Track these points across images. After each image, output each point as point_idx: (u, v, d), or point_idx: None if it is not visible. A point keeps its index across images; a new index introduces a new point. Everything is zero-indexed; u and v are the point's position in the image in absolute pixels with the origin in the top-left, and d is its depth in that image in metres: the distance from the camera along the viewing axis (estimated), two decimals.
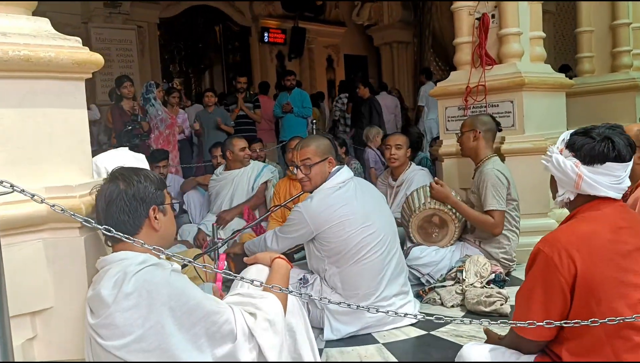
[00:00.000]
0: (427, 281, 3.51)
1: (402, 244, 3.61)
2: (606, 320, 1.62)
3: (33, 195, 1.69)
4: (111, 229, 1.68)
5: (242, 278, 1.89)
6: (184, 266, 3.08)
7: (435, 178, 3.71)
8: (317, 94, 10.82)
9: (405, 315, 2.16)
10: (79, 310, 1.79)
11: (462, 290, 3.21)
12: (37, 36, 1.87)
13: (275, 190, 4.50)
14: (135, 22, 9.84)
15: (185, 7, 10.93)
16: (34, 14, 2.05)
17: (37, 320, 1.87)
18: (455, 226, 3.55)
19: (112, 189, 1.74)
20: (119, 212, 1.72)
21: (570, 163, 1.79)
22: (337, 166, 3.03)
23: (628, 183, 1.83)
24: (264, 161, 5.40)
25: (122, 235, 1.67)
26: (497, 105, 4.22)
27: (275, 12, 12.25)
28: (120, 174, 1.78)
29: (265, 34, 12.09)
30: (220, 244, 3.34)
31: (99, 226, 1.70)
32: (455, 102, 4.43)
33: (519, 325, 1.76)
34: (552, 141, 4.13)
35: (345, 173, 3.01)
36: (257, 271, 1.94)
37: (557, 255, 1.67)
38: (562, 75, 4.60)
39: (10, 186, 1.63)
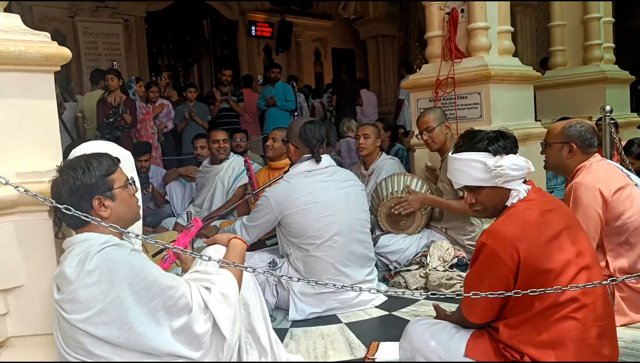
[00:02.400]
0: (395, 267, 3.66)
1: (372, 231, 3.77)
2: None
3: (7, 181, 1.82)
4: (70, 208, 1.79)
5: (209, 258, 2.01)
6: (160, 251, 3.24)
7: (406, 186, 3.71)
8: (304, 88, 10.94)
9: (360, 289, 2.32)
10: (48, 288, 1.92)
11: (425, 274, 3.37)
12: (8, 31, 2.00)
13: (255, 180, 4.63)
14: (122, 16, 9.91)
15: (172, 1, 10.97)
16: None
17: (10, 297, 2.02)
18: (422, 214, 3.70)
19: (58, 185, 1.83)
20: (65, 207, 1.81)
21: (517, 158, 1.96)
22: (307, 155, 3.16)
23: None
24: (245, 152, 5.51)
25: (84, 214, 1.79)
26: (466, 97, 4.36)
27: (262, 6, 12.34)
28: (62, 169, 1.85)
29: (253, 28, 12.18)
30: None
31: (67, 210, 1.80)
32: (426, 94, 4.57)
33: (465, 296, 1.91)
34: (519, 132, 4.29)
35: (315, 163, 3.14)
36: (214, 251, 2.08)
37: (502, 248, 1.82)
38: (530, 68, 4.74)
39: None
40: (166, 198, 5.38)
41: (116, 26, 9.75)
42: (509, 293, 1.80)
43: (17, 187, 1.79)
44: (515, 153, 1.98)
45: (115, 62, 8.81)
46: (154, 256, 3.27)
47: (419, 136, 3.82)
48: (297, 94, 9.04)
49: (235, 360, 1.92)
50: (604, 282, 1.83)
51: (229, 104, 7.49)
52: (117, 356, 1.72)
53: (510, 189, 1.96)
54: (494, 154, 1.94)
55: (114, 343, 1.71)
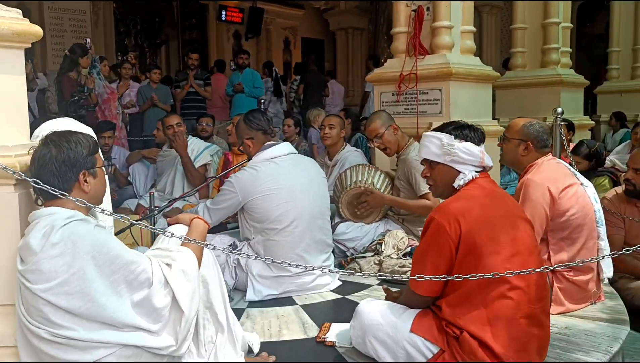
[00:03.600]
0: (352, 254, 3.80)
1: (332, 219, 3.89)
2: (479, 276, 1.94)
3: None
4: (39, 182, 1.85)
5: (172, 234, 2.10)
6: (121, 230, 3.29)
7: (364, 187, 3.83)
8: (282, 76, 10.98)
9: (314, 268, 2.44)
10: (12, 260, 1.96)
11: (379, 261, 3.51)
12: None
13: (219, 164, 4.70)
14: None
15: None
16: None
17: None
18: (380, 207, 3.85)
19: (44, 153, 1.89)
20: (49, 175, 1.88)
21: (470, 145, 2.18)
22: (271, 142, 3.26)
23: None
24: (210, 136, 5.55)
25: (53, 189, 1.85)
26: (427, 93, 4.52)
27: None
28: (52, 140, 1.92)
29: (223, 12, 12.15)
30: (157, 211, 3.55)
31: (35, 183, 1.87)
32: (390, 88, 4.71)
33: (412, 279, 2.07)
34: None
35: (279, 148, 3.23)
36: (176, 230, 2.16)
37: (447, 221, 2.01)
38: (489, 68, 4.92)
39: None
40: (129, 179, 5.39)
41: (83, 3, 9.60)
42: (451, 277, 1.95)
43: None
44: (475, 143, 2.18)
45: (88, 39, 8.68)
46: (117, 234, 3.33)
47: (371, 144, 3.97)
48: (279, 80, 9.15)
49: (192, 334, 2.00)
50: (537, 270, 1.99)
51: (194, 88, 7.49)
52: (78, 325, 1.78)
53: (459, 172, 2.17)
54: (454, 137, 2.17)
55: (75, 313, 1.78)
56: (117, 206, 4.94)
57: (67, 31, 9.34)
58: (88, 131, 2.29)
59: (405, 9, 4.70)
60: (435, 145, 2.20)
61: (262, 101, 7.41)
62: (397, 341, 2.10)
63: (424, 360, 2.05)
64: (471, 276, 1.93)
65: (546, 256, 2.89)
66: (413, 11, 4.64)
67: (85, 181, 1.94)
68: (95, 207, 1.98)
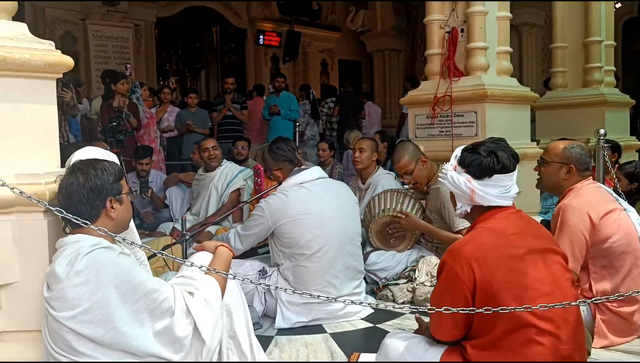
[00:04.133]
0: (384, 282, 3.70)
1: (363, 247, 3.82)
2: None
3: (4, 182, 1.90)
4: (62, 211, 1.88)
5: (192, 264, 2.10)
6: (153, 255, 3.31)
7: (400, 211, 3.69)
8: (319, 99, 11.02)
9: (345, 300, 2.36)
10: (40, 286, 1.98)
11: (412, 288, 3.43)
12: (14, 39, 2.09)
13: (253, 188, 4.71)
14: (132, 20, 10.08)
15: (182, 8, 11.16)
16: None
17: (2, 293, 2.10)
18: (412, 234, 3.75)
19: (72, 182, 1.92)
20: (77, 203, 1.92)
21: (463, 179, 2.03)
22: (296, 169, 3.25)
23: (516, 189, 2.05)
24: (245, 160, 5.59)
25: (74, 217, 1.88)
26: (462, 115, 4.44)
27: (271, 15, 12.49)
28: (79, 168, 1.95)
29: (261, 37, 12.33)
30: (188, 236, 3.56)
31: (59, 212, 1.90)
32: (424, 110, 4.66)
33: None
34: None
35: (309, 173, 3.22)
36: (201, 257, 2.15)
37: (459, 266, 1.88)
38: (527, 88, 4.81)
39: None
40: (165, 202, 5.47)
41: (126, 30, 9.90)
42: (465, 310, 1.85)
43: (12, 189, 1.86)
44: (474, 175, 2.00)
45: (128, 65, 8.93)
46: (149, 258, 3.36)
47: (399, 179, 3.81)
48: (316, 103, 9.20)
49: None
50: (558, 305, 1.85)
51: (232, 112, 7.58)
52: (101, 354, 1.79)
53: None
54: (458, 161, 2.05)
55: (98, 342, 1.78)
56: (153, 229, 5.02)
57: (110, 58, 9.64)
58: (113, 158, 2.31)
59: (439, 30, 4.66)
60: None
61: (298, 124, 7.44)
62: None
63: None
64: (501, 309, 1.82)
65: (587, 286, 2.76)
66: (447, 33, 4.60)
67: (112, 207, 1.97)
68: (115, 236, 1.98)
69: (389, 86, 12.86)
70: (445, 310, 1.89)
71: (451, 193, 2.12)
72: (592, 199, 2.78)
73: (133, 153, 5.48)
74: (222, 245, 2.19)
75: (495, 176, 1.98)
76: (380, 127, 9.42)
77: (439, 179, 2.16)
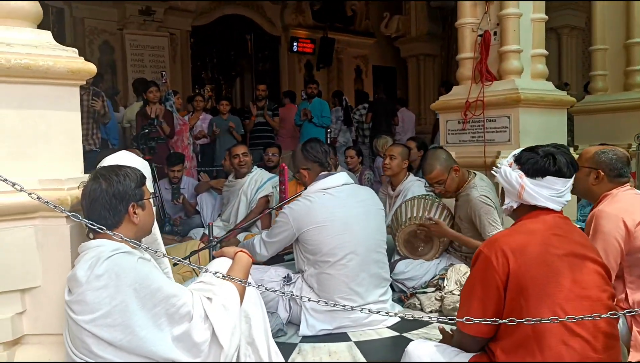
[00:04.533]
0: (412, 290, 3.63)
1: (391, 255, 3.75)
2: (535, 321, 1.77)
3: (22, 188, 1.93)
4: (77, 216, 1.89)
5: (206, 270, 2.10)
6: (175, 264, 3.34)
7: (429, 217, 3.61)
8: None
9: (365, 310, 2.32)
10: (63, 290, 2.00)
11: (441, 297, 3.34)
12: (39, 47, 2.13)
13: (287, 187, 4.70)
14: (168, 29, 10.26)
15: (217, 16, 11.30)
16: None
17: (27, 297, 2.13)
18: (441, 240, 3.66)
19: (95, 188, 1.94)
20: (100, 209, 1.93)
21: (515, 175, 2.01)
22: (325, 173, 3.21)
23: (568, 197, 2.01)
24: (276, 166, 5.59)
25: (91, 223, 1.89)
26: (495, 120, 4.34)
27: (305, 22, 12.54)
28: (101, 175, 1.97)
29: (295, 44, 12.37)
30: (215, 242, 3.58)
31: (75, 218, 1.92)
32: (456, 116, 4.57)
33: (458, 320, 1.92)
34: None
35: (334, 179, 3.18)
36: (220, 263, 2.14)
37: (494, 256, 1.85)
38: (564, 93, 4.67)
39: (4, 180, 1.88)
40: (197, 208, 5.51)
41: (162, 39, 10.08)
42: (502, 321, 1.79)
43: (30, 194, 1.89)
44: (528, 173, 1.98)
45: (164, 72, 9.08)
46: (175, 264, 3.38)
47: (429, 188, 3.69)
48: (349, 109, 9.19)
49: None
50: (603, 315, 1.79)
51: (264, 119, 7.62)
52: (119, 358, 1.79)
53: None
54: (514, 158, 2.04)
55: (117, 346, 1.78)
56: (184, 235, 5.06)
57: (147, 66, 9.83)
58: (144, 164, 2.32)
59: (471, 33, 4.58)
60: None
61: (330, 130, 7.42)
62: None
63: None
64: (526, 321, 1.76)
65: (623, 296, 2.64)
66: (479, 36, 4.50)
67: (135, 212, 1.97)
68: (132, 242, 1.98)
69: (424, 91, 12.71)
70: (466, 320, 1.83)
71: (502, 188, 2.11)
72: (627, 206, 2.65)
73: (165, 160, 5.55)
74: (241, 251, 2.18)
75: (548, 177, 1.96)
76: (414, 133, 9.31)
77: (492, 172, 2.16)
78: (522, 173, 2.00)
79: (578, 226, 4.17)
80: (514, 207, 2.06)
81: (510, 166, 2.06)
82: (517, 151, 2.09)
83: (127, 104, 9.03)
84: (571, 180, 2.00)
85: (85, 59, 2.24)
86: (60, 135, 2.17)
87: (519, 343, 1.83)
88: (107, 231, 1.89)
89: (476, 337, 1.94)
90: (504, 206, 2.10)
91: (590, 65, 6.58)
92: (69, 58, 2.16)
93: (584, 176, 2.79)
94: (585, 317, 1.75)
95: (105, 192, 1.93)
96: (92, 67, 2.22)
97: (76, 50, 2.23)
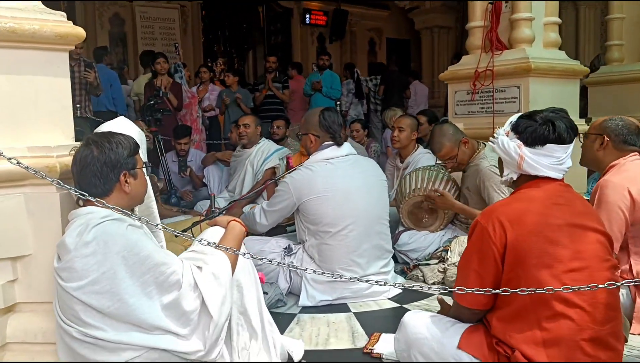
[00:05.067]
0: (415, 262, 3.59)
1: (396, 227, 3.70)
2: (530, 291, 1.72)
3: (10, 158, 1.90)
4: (60, 182, 1.85)
5: (200, 240, 2.06)
6: (184, 230, 3.31)
7: (435, 189, 3.55)
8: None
9: (376, 282, 2.27)
10: (54, 257, 2.01)
11: (444, 269, 3.30)
12: (25, 10, 2.08)
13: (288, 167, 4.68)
14: (178, 2, 10.16)
15: None
16: None
17: (18, 265, 2.12)
18: (445, 212, 3.61)
19: (86, 155, 1.89)
20: (91, 176, 1.89)
21: (513, 145, 1.92)
22: (329, 142, 3.15)
23: (569, 163, 1.93)
24: (282, 139, 5.54)
25: (76, 190, 1.86)
26: (504, 90, 4.23)
27: None
28: (93, 141, 1.92)
29: (307, 16, 12.21)
30: (217, 213, 3.55)
31: (57, 184, 1.88)
32: (465, 86, 4.47)
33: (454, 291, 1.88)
34: None
35: (337, 149, 3.12)
36: (213, 232, 2.11)
37: (491, 225, 1.80)
38: (576, 62, 4.53)
39: None
40: (204, 181, 5.50)
41: (173, 11, 10.00)
42: (496, 291, 1.74)
43: (15, 162, 1.86)
44: (527, 142, 1.89)
45: (177, 44, 9.02)
46: (176, 236, 3.36)
47: (441, 164, 3.63)
48: (361, 82, 9.06)
49: (223, 340, 1.94)
50: (601, 286, 1.72)
51: (272, 91, 7.54)
52: (107, 326, 1.77)
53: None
54: (510, 126, 1.95)
55: (105, 313, 1.76)
56: (191, 208, 5.06)
57: (157, 39, 9.77)
58: (139, 132, 2.28)
59: (481, 1, 4.44)
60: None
61: (339, 103, 7.33)
62: (444, 357, 1.92)
63: None
64: (520, 291, 1.71)
65: (627, 267, 2.58)
66: (490, 4, 4.37)
67: (126, 181, 1.93)
68: (128, 213, 1.95)
69: (438, 64, 12.46)
70: (459, 290, 1.78)
71: (499, 158, 2.03)
72: (634, 175, 2.58)
73: (172, 133, 5.53)
74: (234, 220, 2.14)
75: (548, 145, 1.87)
76: (427, 106, 9.17)
77: (489, 142, 2.08)
78: (521, 143, 1.91)
79: (588, 199, 4.09)
80: (514, 178, 1.99)
81: (507, 135, 1.97)
82: (513, 118, 1.99)
83: (136, 77, 9.01)
84: (572, 145, 1.91)
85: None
86: (49, 101, 2.13)
87: (516, 314, 1.79)
88: (91, 198, 1.85)
89: (473, 308, 1.91)
90: (504, 178, 2.02)
91: (607, 36, 6.39)
92: (57, 22, 2.11)
93: (590, 143, 2.73)
94: (582, 288, 1.70)
95: (97, 159, 1.89)
96: (80, 32, 2.17)
97: (64, 14, 2.18)
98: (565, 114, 1.94)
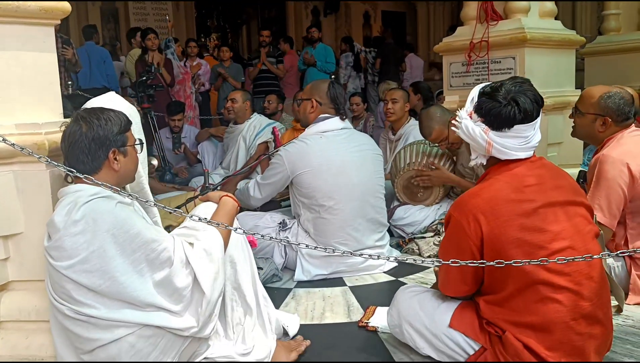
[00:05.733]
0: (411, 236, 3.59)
1: (391, 201, 3.69)
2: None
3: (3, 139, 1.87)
4: (48, 159, 1.83)
5: (191, 216, 2.04)
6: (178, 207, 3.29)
7: (430, 161, 3.54)
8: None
9: (361, 255, 2.26)
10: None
11: (439, 242, 3.30)
12: None
13: (282, 142, 4.65)
14: None
15: None
16: None
17: (10, 243, 2.11)
18: (440, 187, 3.59)
19: (75, 130, 1.86)
20: (79, 153, 1.85)
21: (479, 130, 1.80)
22: (323, 115, 3.11)
23: (538, 138, 1.83)
24: (274, 114, 5.50)
25: (66, 168, 1.83)
26: (500, 61, 4.18)
27: None
28: (82, 117, 1.88)
29: None
30: (211, 189, 3.54)
31: (45, 160, 1.86)
32: (459, 58, 4.41)
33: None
34: (555, 100, 4.09)
35: (332, 122, 3.09)
36: (205, 208, 2.09)
37: (465, 220, 1.75)
38: (572, 32, 4.47)
39: None
40: (198, 157, 5.47)
41: None
42: (475, 263, 1.72)
43: (4, 140, 1.83)
44: (492, 125, 1.77)
45: (167, 16, 8.90)
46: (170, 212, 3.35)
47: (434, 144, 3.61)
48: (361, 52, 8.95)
49: (217, 316, 1.93)
50: (577, 258, 1.69)
51: (267, 66, 7.46)
52: (99, 304, 1.76)
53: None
54: (474, 107, 1.82)
55: (97, 291, 1.75)
56: (186, 184, 5.04)
57: (149, 14, 9.64)
58: (131, 108, 2.23)
59: None
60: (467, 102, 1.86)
61: (334, 76, 7.26)
62: (436, 334, 1.92)
63: (465, 356, 1.85)
64: (497, 263, 1.68)
65: (623, 242, 2.57)
66: None
67: (115, 159, 1.90)
68: (118, 189, 1.92)
69: (433, 37, 12.35)
70: (453, 262, 1.77)
71: (465, 142, 1.91)
72: (633, 149, 2.55)
73: (165, 109, 5.48)
74: (227, 195, 2.12)
75: (516, 126, 1.76)
76: (422, 79, 9.10)
77: (452, 127, 1.96)
78: (487, 127, 1.78)
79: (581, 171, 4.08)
80: (484, 163, 1.89)
81: (470, 117, 1.83)
82: (474, 95, 1.85)
83: (127, 53, 8.90)
84: (539, 119, 1.80)
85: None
86: (36, 77, 2.09)
87: (503, 300, 1.78)
88: (79, 175, 1.83)
89: (458, 297, 1.92)
90: (472, 163, 1.91)
91: (604, 7, 6.32)
92: None
93: (589, 123, 2.67)
94: (576, 258, 1.68)
95: (85, 136, 1.85)
96: (66, 6, 2.12)
97: None
98: (528, 86, 1.81)
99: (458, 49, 4.40)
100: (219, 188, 3.69)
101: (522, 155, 1.81)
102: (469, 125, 1.83)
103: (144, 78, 5.07)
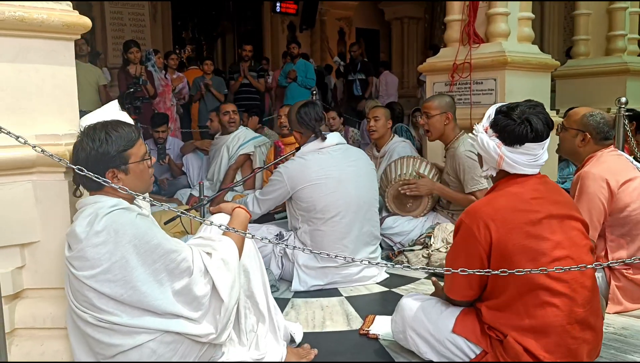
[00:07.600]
0: (399, 248, 3.72)
1: (380, 212, 3.82)
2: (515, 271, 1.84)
3: (26, 141, 1.91)
4: (83, 169, 1.84)
5: (211, 222, 2.12)
6: (172, 219, 3.33)
7: (417, 171, 3.72)
8: (325, 67, 10.95)
9: (362, 261, 2.38)
10: (62, 245, 2.01)
11: (428, 254, 3.44)
12: None
13: (267, 156, 4.75)
14: None
15: None
16: None
17: (26, 251, 2.14)
18: (429, 198, 3.75)
19: (78, 149, 1.88)
20: (85, 168, 1.85)
21: (493, 144, 1.99)
22: (309, 140, 3.24)
23: (545, 157, 2.01)
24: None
25: (97, 176, 1.86)
26: (481, 82, 4.39)
27: None
28: (86, 134, 1.89)
29: (278, 4, 12.18)
30: (206, 201, 3.60)
31: (80, 171, 1.89)
32: (443, 78, 4.61)
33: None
34: None
35: (328, 139, 3.20)
36: (218, 219, 2.17)
37: (476, 226, 1.90)
38: (548, 56, 4.73)
39: (8, 133, 1.86)
40: (183, 169, 5.51)
41: None
42: (479, 271, 1.86)
43: (34, 147, 1.88)
44: (506, 141, 1.95)
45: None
46: (165, 223, 3.39)
47: (420, 118, 3.82)
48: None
49: (233, 323, 2.01)
50: (574, 268, 1.85)
51: (248, 80, 7.55)
52: (121, 311, 1.81)
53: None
54: (490, 123, 1.99)
55: (118, 300, 1.80)
56: (170, 196, 5.07)
57: (126, 25, 9.61)
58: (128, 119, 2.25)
59: None
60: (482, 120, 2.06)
61: (315, 92, 7.39)
62: (439, 339, 2.05)
63: (467, 360, 1.98)
64: (502, 271, 1.83)
65: (603, 253, 2.76)
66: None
67: (116, 178, 1.90)
68: (138, 196, 1.98)
69: (407, 55, 12.67)
70: (461, 271, 1.90)
71: (478, 153, 2.10)
72: (612, 167, 2.75)
73: (150, 121, 5.51)
74: (239, 207, 2.21)
75: (527, 144, 1.93)
76: (397, 97, 9.32)
77: (468, 140, 2.14)
78: (500, 142, 1.97)
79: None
80: (494, 175, 2.07)
81: (486, 132, 2.02)
82: (491, 113, 2.03)
83: (107, 64, 8.87)
84: (548, 140, 1.98)
85: None
86: (55, 90, 2.14)
87: (504, 304, 1.92)
88: (112, 185, 1.87)
89: (462, 300, 2.05)
90: (483, 173, 2.10)
91: (572, 31, 6.64)
92: (63, 11, 2.13)
93: (571, 138, 2.87)
94: (572, 268, 1.83)
95: (89, 153, 1.86)
96: (86, 22, 2.19)
97: (70, 3, 2.19)
98: (542, 109, 2.00)
99: (441, 69, 4.60)
100: (213, 200, 3.75)
101: (529, 171, 1.98)
102: (484, 138, 2.01)
103: (132, 90, 5.10)
